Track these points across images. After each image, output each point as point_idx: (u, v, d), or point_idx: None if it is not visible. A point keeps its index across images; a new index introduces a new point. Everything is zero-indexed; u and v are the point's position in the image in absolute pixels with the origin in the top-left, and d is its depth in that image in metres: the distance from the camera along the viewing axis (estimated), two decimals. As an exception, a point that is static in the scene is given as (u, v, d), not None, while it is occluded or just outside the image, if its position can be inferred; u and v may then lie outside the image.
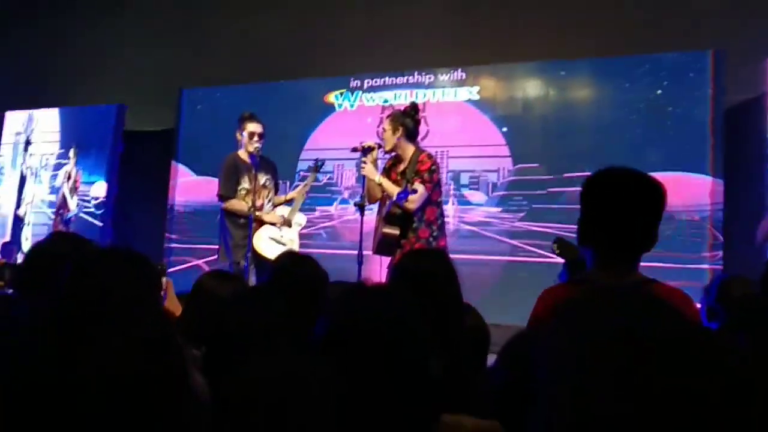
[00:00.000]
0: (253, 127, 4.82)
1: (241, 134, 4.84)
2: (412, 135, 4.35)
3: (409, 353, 1.24)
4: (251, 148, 4.76)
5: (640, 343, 0.57)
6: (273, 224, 4.84)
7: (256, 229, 4.77)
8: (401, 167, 4.35)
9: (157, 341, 0.78)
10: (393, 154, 4.42)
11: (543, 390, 0.65)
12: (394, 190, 4.23)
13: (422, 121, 4.54)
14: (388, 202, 4.29)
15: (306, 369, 1.05)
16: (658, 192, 1.68)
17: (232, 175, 4.81)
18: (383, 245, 4.29)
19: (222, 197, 4.85)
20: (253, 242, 4.72)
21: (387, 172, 4.45)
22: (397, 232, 4.19)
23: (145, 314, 0.81)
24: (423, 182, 4.17)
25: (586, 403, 0.55)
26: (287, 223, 4.90)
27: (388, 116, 4.51)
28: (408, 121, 4.33)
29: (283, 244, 4.81)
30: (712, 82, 5.61)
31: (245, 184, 4.81)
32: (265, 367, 1.05)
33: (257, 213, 4.77)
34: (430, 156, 4.30)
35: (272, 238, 4.83)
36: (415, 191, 4.12)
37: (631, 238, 1.68)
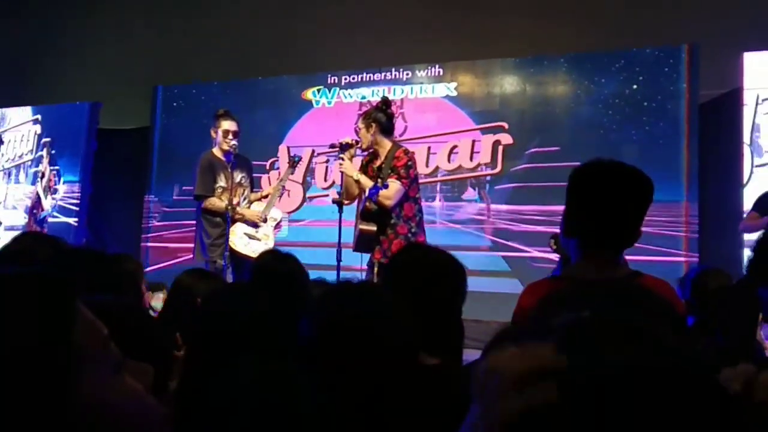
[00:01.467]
0: (228, 124, 4.80)
1: (216, 132, 4.83)
2: (386, 130, 4.34)
3: (398, 348, 1.25)
4: (226, 146, 4.75)
5: (602, 329, 0.56)
6: (254, 223, 4.81)
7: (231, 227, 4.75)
8: (377, 163, 4.34)
9: None
10: (370, 150, 4.41)
11: None
12: (370, 186, 4.22)
13: (397, 115, 4.54)
14: (364, 198, 4.28)
15: (290, 372, 1.04)
16: (645, 185, 1.67)
17: (207, 174, 4.78)
18: (361, 242, 4.28)
19: (199, 197, 4.81)
20: (229, 237, 4.71)
21: (364, 168, 4.43)
22: (374, 228, 4.18)
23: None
24: (399, 178, 4.15)
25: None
26: (263, 219, 4.88)
27: (361, 114, 4.49)
28: (380, 116, 4.32)
29: (258, 239, 4.80)
30: (687, 76, 5.66)
31: (221, 182, 4.79)
32: (250, 370, 1.03)
33: (238, 210, 4.74)
34: (406, 152, 4.29)
35: (247, 234, 4.81)
36: (386, 186, 4.12)
37: (618, 229, 1.67)
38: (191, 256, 5.12)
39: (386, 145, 4.32)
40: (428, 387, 1.28)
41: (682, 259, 5.49)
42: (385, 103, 4.43)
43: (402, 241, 4.16)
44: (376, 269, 4.21)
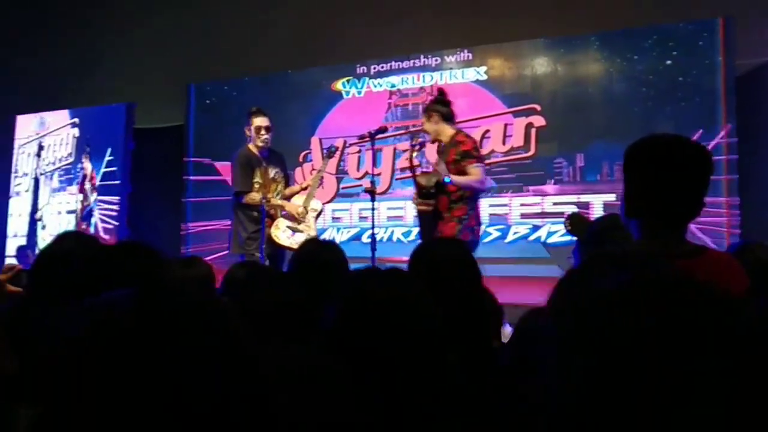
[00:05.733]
0: (260, 121, 4.88)
1: (249, 129, 4.91)
2: (447, 117, 4.49)
3: (421, 335, 1.23)
4: (260, 143, 4.86)
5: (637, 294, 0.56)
6: (293, 217, 4.87)
7: (273, 221, 4.85)
8: (438, 148, 4.54)
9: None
10: (436, 141, 4.56)
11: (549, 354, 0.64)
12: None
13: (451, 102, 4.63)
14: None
15: (318, 359, 1.05)
16: (704, 155, 1.62)
17: (246, 170, 4.86)
18: (425, 226, 4.39)
19: (239, 193, 4.88)
20: (271, 232, 4.81)
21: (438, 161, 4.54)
22: (430, 208, 4.32)
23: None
24: (478, 160, 4.34)
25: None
26: (305, 210, 4.94)
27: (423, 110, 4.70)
28: (438, 105, 4.51)
29: (301, 231, 4.86)
30: (722, 49, 5.53)
31: (257, 178, 4.88)
32: (282, 358, 1.04)
33: (279, 201, 4.88)
34: (467, 135, 4.48)
35: (290, 227, 4.89)
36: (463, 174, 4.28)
37: (683, 204, 1.61)
38: (227, 251, 5.22)
39: (448, 132, 4.46)
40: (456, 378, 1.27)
41: (723, 231, 5.38)
42: (441, 93, 4.62)
43: (455, 224, 4.26)
44: None
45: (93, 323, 0.75)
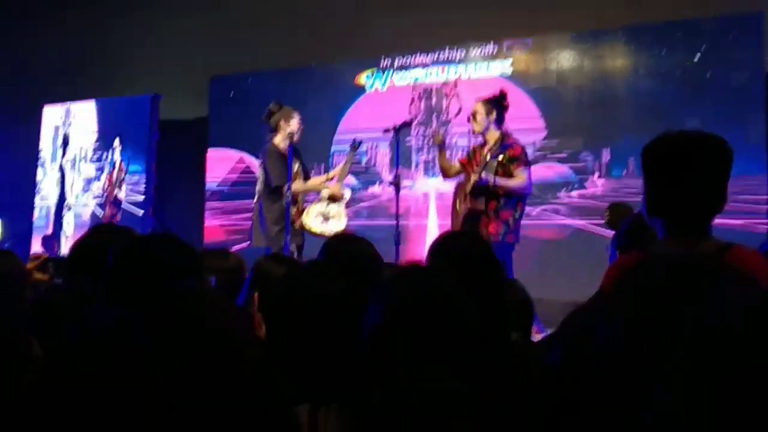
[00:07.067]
0: (298, 117, 4.92)
1: (288, 123, 4.87)
2: (500, 120, 4.49)
3: (463, 332, 1.23)
4: (296, 137, 4.85)
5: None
6: (333, 198, 4.90)
7: (299, 211, 4.89)
8: (485, 150, 4.47)
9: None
10: (480, 139, 4.54)
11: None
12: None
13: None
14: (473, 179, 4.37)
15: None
16: (723, 148, 1.58)
17: (280, 162, 4.84)
18: (466, 224, 4.37)
19: (278, 186, 4.86)
20: (302, 219, 4.83)
21: (471, 156, 4.56)
22: (482, 207, 4.33)
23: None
24: (526, 165, 4.36)
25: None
26: (335, 198, 4.94)
27: (479, 100, 4.59)
28: (500, 106, 4.50)
29: (332, 218, 4.88)
30: (751, 46, 5.45)
31: None
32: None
33: (314, 181, 5.06)
34: (516, 139, 4.48)
35: (321, 213, 4.89)
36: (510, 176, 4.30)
37: (704, 202, 1.59)
38: (248, 242, 5.23)
39: (495, 134, 4.45)
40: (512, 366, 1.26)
41: (763, 220, 5.31)
42: (503, 94, 4.57)
43: (501, 224, 4.31)
44: None
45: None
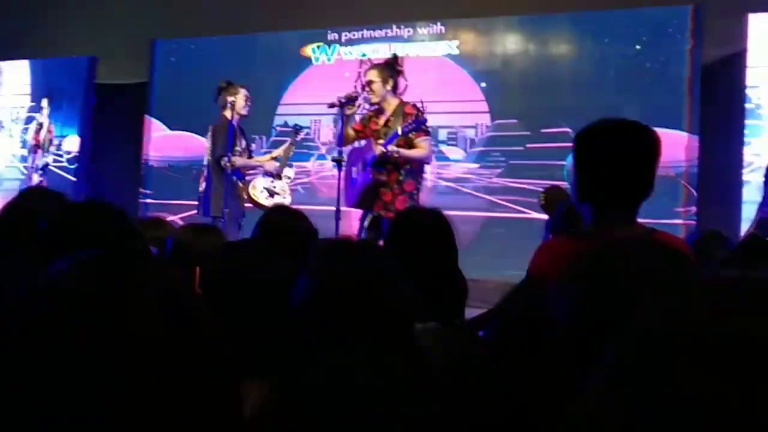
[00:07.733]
0: (245, 92, 4.98)
1: (234, 97, 4.89)
2: (396, 87, 4.40)
3: (396, 310, 1.21)
4: (244, 112, 4.96)
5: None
6: (271, 174, 5.05)
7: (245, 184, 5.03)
8: (382, 119, 4.36)
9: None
10: (375, 107, 4.43)
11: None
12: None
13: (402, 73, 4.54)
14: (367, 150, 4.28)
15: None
16: (651, 137, 1.64)
17: (223, 136, 4.87)
18: (366, 195, 4.30)
19: (221, 157, 4.88)
20: (248, 190, 4.98)
21: (366, 123, 4.46)
22: (384, 178, 4.24)
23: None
24: (426, 134, 4.28)
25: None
26: (278, 175, 5.09)
27: (373, 67, 4.50)
28: (395, 73, 4.39)
29: (277, 194, 5.02)
30: (690, 37, 5.60)
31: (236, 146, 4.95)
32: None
33: (257, 159, 5.23)
34: (416, 107, 4.34)
35: (266, 188, 5.04)
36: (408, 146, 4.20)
37: (632, 188, 1.64)
38: (194, 212, 5.24)
39: (393, 102, 4.36)
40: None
41: (679, 221, 5.49)
42: (396, 58, 4.47)
43: (407, 198, 4.21)
44: (368, 222, 4.30)
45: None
